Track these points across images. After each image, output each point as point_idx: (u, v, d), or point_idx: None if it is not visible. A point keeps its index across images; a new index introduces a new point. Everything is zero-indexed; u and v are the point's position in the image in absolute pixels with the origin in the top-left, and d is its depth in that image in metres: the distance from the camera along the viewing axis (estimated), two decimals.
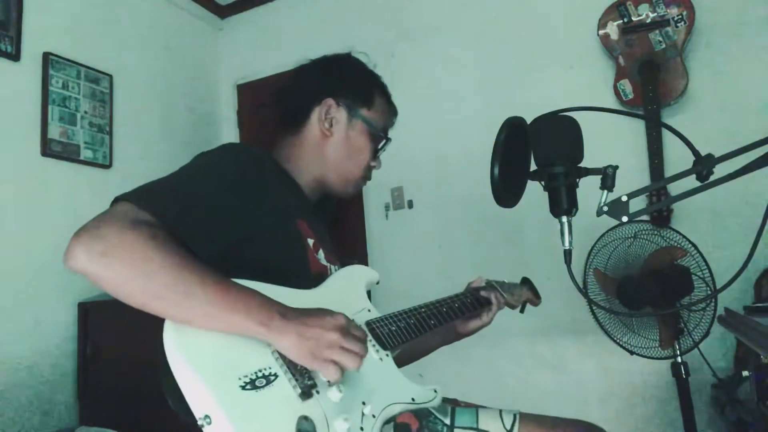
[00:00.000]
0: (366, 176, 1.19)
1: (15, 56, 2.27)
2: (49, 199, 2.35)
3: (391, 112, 1.21)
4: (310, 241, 1.03)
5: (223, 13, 3.52)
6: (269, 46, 3.35)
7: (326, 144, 1.12)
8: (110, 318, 2.35)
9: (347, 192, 1.18)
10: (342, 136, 1.13)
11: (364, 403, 0.86)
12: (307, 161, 1.13)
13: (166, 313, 0.76)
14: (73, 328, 2.33)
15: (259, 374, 0.78)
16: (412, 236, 2.86)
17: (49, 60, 2.39)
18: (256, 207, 0.93)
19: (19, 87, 2.30)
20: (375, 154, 1.18)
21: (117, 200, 0.82)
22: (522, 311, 1.43)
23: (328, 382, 0.82)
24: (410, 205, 2.89)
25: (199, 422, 0.72)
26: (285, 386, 0.79)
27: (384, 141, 1.19)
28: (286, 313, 0.80)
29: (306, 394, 0.79)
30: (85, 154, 2.52)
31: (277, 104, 1.17)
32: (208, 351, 0.77)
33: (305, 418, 0.77)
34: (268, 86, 3.33)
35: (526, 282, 1.48)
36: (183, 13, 3.26)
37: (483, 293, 1.28)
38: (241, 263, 0.89)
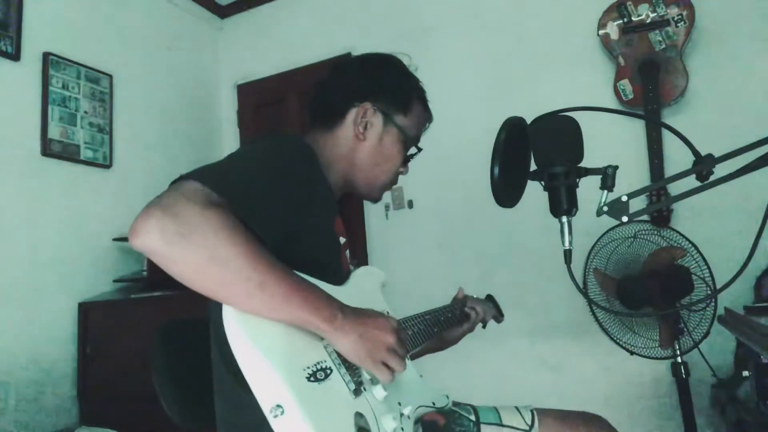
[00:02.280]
0: (393, 182, 1.19)
1: (15, 56, 2.27)
2: (49, 199, 2.34)
3: (426, 118, 1.20)
4: (342, 240, 1.04)
5: (223, 13, 3.52)
6: (269, 46, 3.35)
7: (358, 147, 1.11)
8: (110, 318, 2.35)
9: (372, 196, 1.18)
10: (375, 141, 1.11)
11: (400, 404, 0.88)
12: (337, 160, 1.11)
13: (234, 301, 0.74)
14: (73, 328, 2.32)
15: (318, 367, 0.77)
16: (412, 236, 2.86)
17: (49, 60, 2.39)
18: (307, 202, 0.93)
19: (19, 87, 2.30)
20: (405, 161, 1.18)
21: (182, 179, 0.77)
22: (484, 327, 1.46)
23: (371, 380, 0.84)
24: (410, 205, 2.89)
25: (271, 413, 0.69)
26: (339, 381, 0.80)
27: (416, 151, 1.19)
28: (347, 311, 0.81)
29: (357, 390, 0.81)
30: (85, 154, 2.52)
31: (315, 97, 1.16)
32: (275, 338, 0.75)
33: (360, 414, 0.78)
34: (268, 86, 3.33)
35: (490, 299, 1.52)
36: (183, 13, 3.26)
37: (467, 309, 1.35)
38: (287, 256, 0.86)
